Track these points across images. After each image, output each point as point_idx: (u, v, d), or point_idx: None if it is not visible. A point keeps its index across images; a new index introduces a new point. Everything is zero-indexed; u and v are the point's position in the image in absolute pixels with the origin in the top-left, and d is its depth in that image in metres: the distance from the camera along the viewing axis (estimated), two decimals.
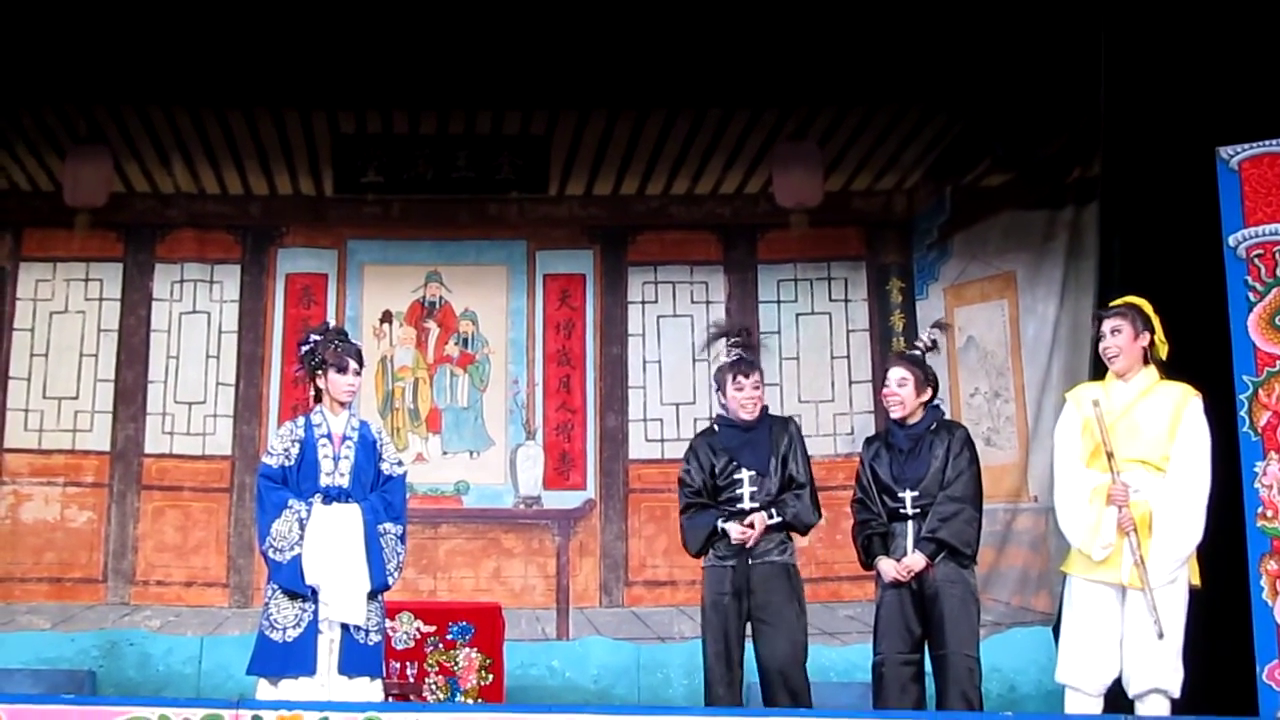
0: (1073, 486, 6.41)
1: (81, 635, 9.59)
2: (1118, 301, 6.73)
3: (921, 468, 6.70)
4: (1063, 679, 6.39)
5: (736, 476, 6.81)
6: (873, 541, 6.75)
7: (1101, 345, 6.52)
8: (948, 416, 7.21)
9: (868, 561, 6.80)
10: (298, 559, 6.39)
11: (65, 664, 9.21)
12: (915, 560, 6.60)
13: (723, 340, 7.10)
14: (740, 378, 6.89)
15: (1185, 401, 6.35)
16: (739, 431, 6.89)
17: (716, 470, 6.85)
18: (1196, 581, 6.31)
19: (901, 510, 6.69)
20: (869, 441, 7.05)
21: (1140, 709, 6.09)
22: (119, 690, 9.04)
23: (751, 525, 6.69)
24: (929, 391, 6.82)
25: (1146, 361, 6.47)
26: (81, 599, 9.96)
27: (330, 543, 6.42)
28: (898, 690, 6.57)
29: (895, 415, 6.82)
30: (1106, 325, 6.48)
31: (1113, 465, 6.26)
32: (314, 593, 6.37)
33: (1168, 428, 6.30)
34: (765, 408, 7.01)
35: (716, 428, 7.01)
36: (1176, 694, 6.12)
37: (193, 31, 9.44)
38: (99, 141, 10.41)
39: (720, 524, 6.76)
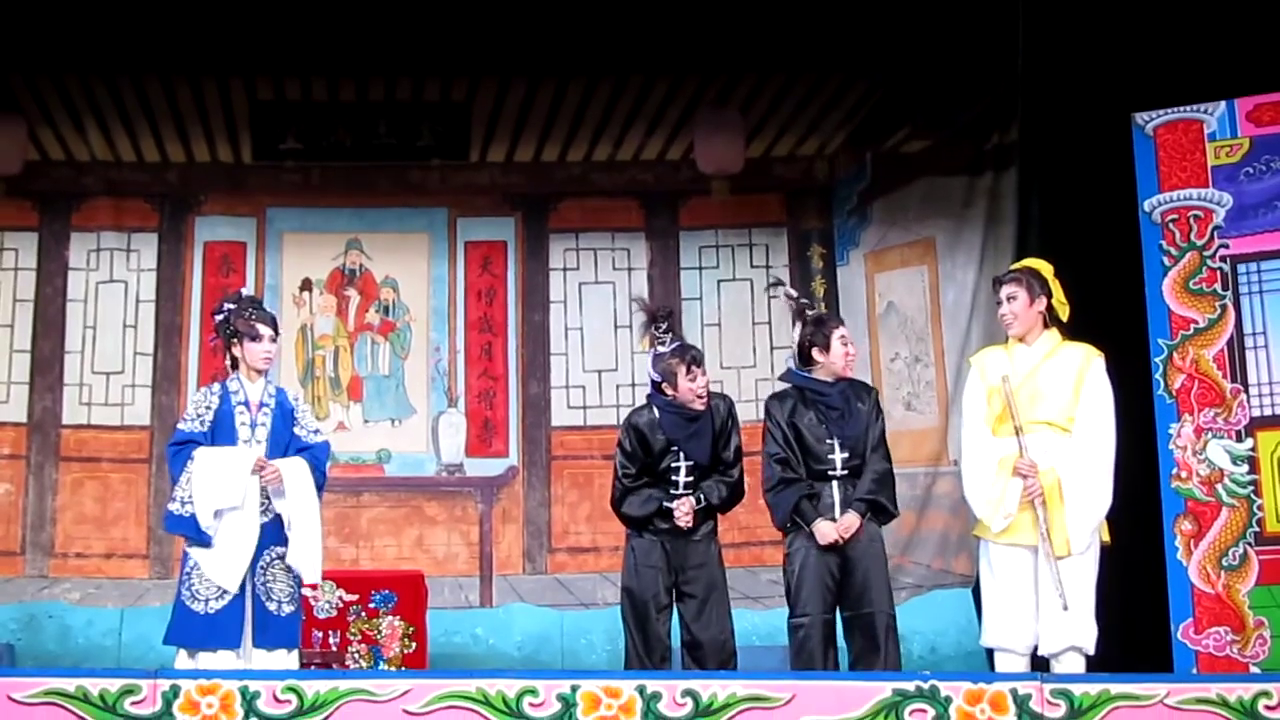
0: (979, 456, 6.41)
1: None
2: (1015, 266, 6.76)
3: (856, 426, 6.65)
4: (989, 642, 6.40)
5: (674, 464, 6.76)
6: (804, 503, 6.58)
7: (999, 311, 6.55)
8: (861, 379, 7.12)
9: (801, 523, 6.58)
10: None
11: None
12: (852, 520, 6.54)
13: (652, 324, 6.91)
14: (694, 368, 6.72)
15: (1088, 363, 6.37)
16: (684, 420, 6.76)
17: (655, 453, 6.78)
18: (1107, 539, 6.36)
19: (830, 472, 6.63)
20: (781, 398, 6.82)
21: (1056, 667, 6.14)
22: (38, 663, 8.96)
23: (684, 509, 6.68)
24: None
25: (1047, 325, 6.49)
26: None
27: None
28: (823, 650, 6.53)
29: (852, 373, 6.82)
30: (1003, 291, 6.49)
31: (1020, 439, 6.30)
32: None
33: (1072, 389, 6.32)
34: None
35: (656, 410, 6.82)
36: (1091, 651, 6.18)
37: None
38: (13, 110, 10.23)
39: (664, 504, 6.72)
